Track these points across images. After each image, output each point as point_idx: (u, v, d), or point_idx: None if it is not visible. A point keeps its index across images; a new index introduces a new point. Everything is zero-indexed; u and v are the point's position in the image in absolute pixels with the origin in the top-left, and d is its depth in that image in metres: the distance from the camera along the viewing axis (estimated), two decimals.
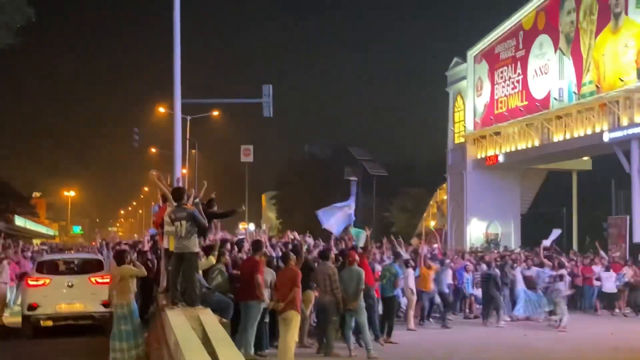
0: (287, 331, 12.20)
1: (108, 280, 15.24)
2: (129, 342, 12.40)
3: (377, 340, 14.79)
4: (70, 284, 16.19)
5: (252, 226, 61.15)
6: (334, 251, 15.70)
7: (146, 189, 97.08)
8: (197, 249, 11.40)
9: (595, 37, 35.89)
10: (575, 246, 42.30)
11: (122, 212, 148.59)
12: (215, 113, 51.80)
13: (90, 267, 16.89)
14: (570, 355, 15.20)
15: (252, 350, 12.73)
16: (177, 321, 9.70)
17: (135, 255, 18.32)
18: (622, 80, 33.36)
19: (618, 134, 33.72)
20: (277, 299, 12.55)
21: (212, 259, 13.02)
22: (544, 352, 15.39)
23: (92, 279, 16.21)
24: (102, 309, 15.61)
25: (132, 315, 12.48)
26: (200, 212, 11.48)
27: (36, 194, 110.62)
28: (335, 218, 18.85)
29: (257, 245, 13.66)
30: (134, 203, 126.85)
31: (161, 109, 47.10)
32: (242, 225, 66.36)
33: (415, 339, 16.53)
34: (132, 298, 12.67)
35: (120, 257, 12.97)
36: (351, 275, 13.87)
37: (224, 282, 12.89)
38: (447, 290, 19.44)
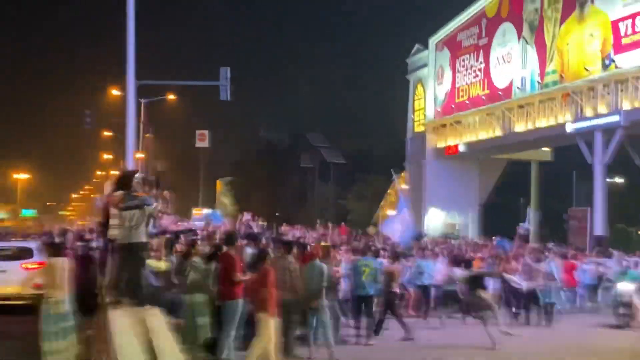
0: (257, 338, 11.13)
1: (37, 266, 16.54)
2: (66, 340, 11.18)
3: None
4: (3, 269, 17.35)
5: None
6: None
7: (99, 172, 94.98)
8: (145, 239, 10.27)
9: (560, 25, 35.40)
10: (532, 238, 42.03)
11: (74, 196, 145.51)
12: (171, 97, 50.31)
13: (22, 254, 18.13)
14: None
15: (233, 355, 11.58)
16: (121, 326, 8.68)
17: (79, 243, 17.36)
18: (587, 70, 32.84)
19: (581, 124, 33.26)
20: (249, 300, 11.48)
21: (162, 265, 11.84)
22: None
23: (23, 265, 17.26)
24: (33, 291, 15.85)
25: (73, 311, 11.38)
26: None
27: None
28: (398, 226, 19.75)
29: (230, 237, 12.35)
30: (87, 187, 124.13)
31: (115, 92, 45.49)
32: (195, 211, 65.10)
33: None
34: (68, 292, 11.45)
35: (60, 249, 12.08)
36: (313, 270, 12.82)
37: (199, 277, 11.55)
38: None
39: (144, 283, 10.13)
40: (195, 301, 11.39)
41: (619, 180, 47.02)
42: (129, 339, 7.94)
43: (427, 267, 18.47)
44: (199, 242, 12.39)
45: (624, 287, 18.29)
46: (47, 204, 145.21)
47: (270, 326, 11.18)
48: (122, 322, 8.93)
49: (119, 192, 10.49)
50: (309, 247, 14.20)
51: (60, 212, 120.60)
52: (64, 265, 11.49)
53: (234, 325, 11.38)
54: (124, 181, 10.51)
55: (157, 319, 9.24)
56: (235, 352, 11.59)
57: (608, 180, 45.17)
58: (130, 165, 21.34)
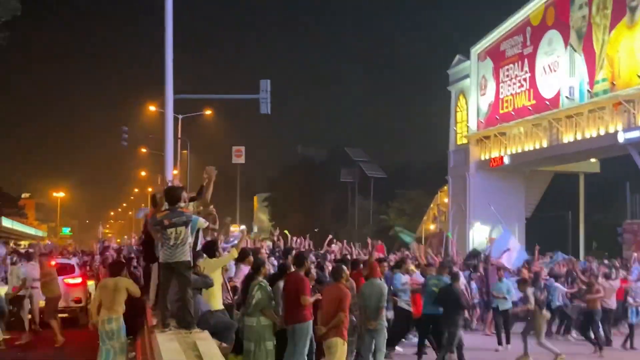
0: None
1: (80, 280, 19.43)
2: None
3: None
4: None
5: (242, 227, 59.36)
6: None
7: (136, 190, 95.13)
8: (188, 257, 9.50)
9: (609, 32, 34.21)
10: (581, 252, 40.68)
11: (112, 213, 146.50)
12: (208, 112, 49.96)
13: (64, 270, 19.29)
14: None
15: None
16: (169, 351, 7.85)
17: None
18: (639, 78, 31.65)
19: (634, 134, 32.02)
20: (320, 323, 10.69)
21: (234, 253, 11.15)
22: None
23: (65, 280, 18.61)
24: (74, 305, 18.86)
25: (120, 332, 11.35)
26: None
27: (25, 195, 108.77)
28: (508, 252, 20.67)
29: (300, 258, 11.44)
30: (124, 204, 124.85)
31: (152, 108, 45.26)
32: (233, 227, 64.49)
33: None
34: (122, 313, 11.44)
35: (117, 269, 12.10)
36: (372, 289, 11.95)
37: (265, 297, 10.77)
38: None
39: (191, 304, 9.37)
40: (263, 324, 10.63)
41: None
42: None
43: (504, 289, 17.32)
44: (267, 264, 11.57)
45: None
46: (87, 221, 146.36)
47: (345, 352, 10.47)
48: (169, 347, 8.13)
49: (164, 209, 9.84)
50: (361, 265, 13.38)
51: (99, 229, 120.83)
52: (118, 285, 11.43)
53: (306, 350, 10.65)
54: (169, 197, 9.75)
55: (208, 344, 8.42)
56: None
57: None
58: (169, 181, 20.81)
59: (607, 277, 17.50)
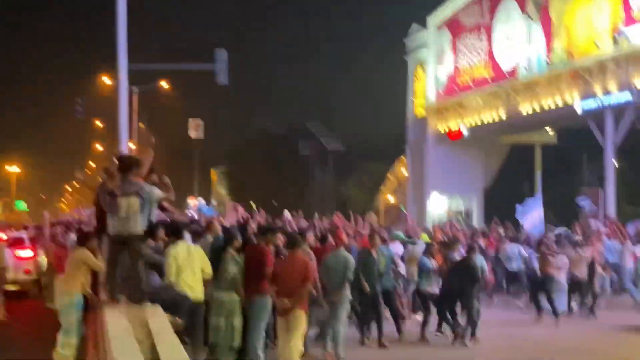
0: (292, 336, 10.12)
1: (31, 253, 19.97)
2: (76, 335, 11.16)
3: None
4: None
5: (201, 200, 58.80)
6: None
7: (92, 163, 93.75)
8: (141, 230, 9.17)
9: (567, 1, 34.11)
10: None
11: (67, 187, 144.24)
12: (164, 84, 49.34)
13: (15, 243, 20.03)
14: None
15: (262, 356, 10.59)
16: (117, 328, 7.49)
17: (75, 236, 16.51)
18: (597, 47, 31.63)
19: (591, 104, 32.09)
20: (279, 295, 10.38)
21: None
22: None
23: (16, 253, 19.21)
24: (24, 277, 19.52)
25: (75, 308, 11.10)
26: None
27: None
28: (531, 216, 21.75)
29: (267, 230, 11.35)
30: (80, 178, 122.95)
31: (106, 80, 44.44)
32: (191, 201, 63.94)
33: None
34: (79, 288, 11.11)
35: (82, 239, 11.65)
36: (337, 260, 11.67)
37: (239, 273, 10.57)
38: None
39: (142, 279, 9.03)
40: (233, 299, 10.38)
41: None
42: (127, 344, 6.77)
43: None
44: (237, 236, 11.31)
45: None
46: (42, 196, 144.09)
47: (305, 323, 10.30)
48: (117, 324, 7.77)
49: (115, 179, 9.50)
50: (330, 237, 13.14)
51: (55, 205, 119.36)
52: (75, 257, 11.24)
53: (264, 324, 10.44)
54: (122, 167, 9.39)
55: (158, 320, 8.08)
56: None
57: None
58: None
59: (575, 245, 17.22)
